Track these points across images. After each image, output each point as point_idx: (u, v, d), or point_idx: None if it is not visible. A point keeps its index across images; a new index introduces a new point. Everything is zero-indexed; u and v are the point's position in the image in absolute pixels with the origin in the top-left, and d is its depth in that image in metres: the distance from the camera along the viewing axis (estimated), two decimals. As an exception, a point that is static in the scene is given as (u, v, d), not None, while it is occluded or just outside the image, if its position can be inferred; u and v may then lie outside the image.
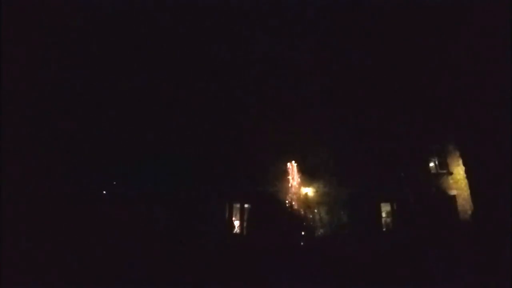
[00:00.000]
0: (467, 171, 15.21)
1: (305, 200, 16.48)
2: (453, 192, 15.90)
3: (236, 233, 17.11)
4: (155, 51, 16.36)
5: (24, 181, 13.82)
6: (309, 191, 16.63)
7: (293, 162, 16.54)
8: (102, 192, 16.42)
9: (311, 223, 16.20)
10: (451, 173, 16.11)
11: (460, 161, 15.61)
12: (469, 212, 14.99)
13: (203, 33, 16.23)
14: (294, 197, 16.39)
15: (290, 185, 16.53)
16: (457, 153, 15.80)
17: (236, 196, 16.96)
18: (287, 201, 16.33)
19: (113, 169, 16.42)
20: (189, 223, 15.09)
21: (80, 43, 15.26)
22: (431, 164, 16.49)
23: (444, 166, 16.34)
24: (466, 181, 15.29)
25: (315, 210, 16.50)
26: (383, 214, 17.45)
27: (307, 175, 16.54)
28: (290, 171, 16.54)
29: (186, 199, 15.75)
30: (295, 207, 16.32)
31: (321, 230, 16.10)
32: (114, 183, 16.47)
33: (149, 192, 15.72)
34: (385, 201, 16.70)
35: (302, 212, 16.24)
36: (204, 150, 16.30)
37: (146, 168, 15.90)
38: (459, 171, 15.74)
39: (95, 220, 14.45)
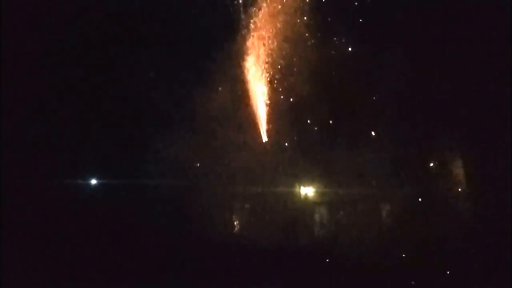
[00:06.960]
0: (467, 171, 15.25)
1: (305, 199, 16.47)
2: (453, 192, 15.92)
3: (236, 233, 17.08)
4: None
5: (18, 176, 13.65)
6: (309, 191, 16.60)
7: (293, 160, 16.48)
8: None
9: (311, 223, 16.19)
10: (451, 173, 16.11)
11: (460, 161, 15.63)
12: (469, 212, 15.02)
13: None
14: (294, 196, 16.39)
15: (289, 184, 16.50)
16: (457, 153, 15.81)
17: (235, 195, 16.94)
18: (287, 201, 16.32)
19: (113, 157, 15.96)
20: (189, 222, 15.04)
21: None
22: (431, 164, 16.46)
23: (444, 166, 16.33)
24: (466, 181, 15.33)
25: (315, 210, 16.48)
26: (383, 214, 17.46)
27: (307, 173, 16.51)
28: (290, 169, 16.49)
29: (185, 198, 15.68)
30: (295, 206, 16.31)
31: (321, 230, 16.10)
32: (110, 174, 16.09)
33: (148, 192, 15.62)
34: (385, 201, 16.68)
35: (302, 212, 16.24)
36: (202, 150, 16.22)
37: (144, 168, 15.79)
38: (459, 171, 15.77)
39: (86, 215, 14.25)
